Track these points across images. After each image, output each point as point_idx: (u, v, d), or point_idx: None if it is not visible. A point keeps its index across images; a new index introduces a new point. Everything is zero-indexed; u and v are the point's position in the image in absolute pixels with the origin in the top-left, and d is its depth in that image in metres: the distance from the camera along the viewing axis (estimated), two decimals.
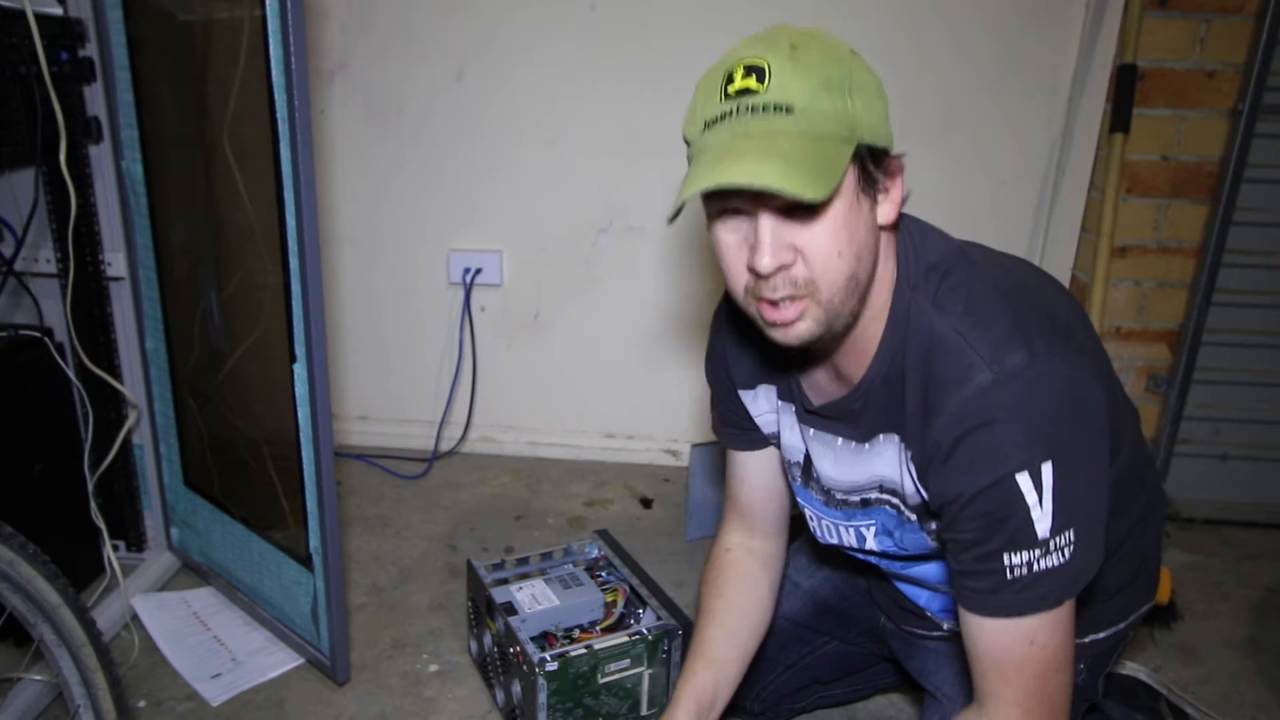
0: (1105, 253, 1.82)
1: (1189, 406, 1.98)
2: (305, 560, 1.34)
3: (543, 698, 1.17)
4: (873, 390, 0.89)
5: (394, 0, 1.98)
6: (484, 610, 1.34)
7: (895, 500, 0.94)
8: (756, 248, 0.77)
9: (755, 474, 1.12)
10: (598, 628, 1.34)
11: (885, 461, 0.92)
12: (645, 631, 1.23)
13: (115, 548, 1.55)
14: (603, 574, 1.43)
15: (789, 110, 0.74)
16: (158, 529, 1.67)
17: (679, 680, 1.07)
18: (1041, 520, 0.78)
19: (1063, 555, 0.79)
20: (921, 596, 1.13)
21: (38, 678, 1.25)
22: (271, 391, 1.32)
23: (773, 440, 1.08)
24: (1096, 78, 1.88)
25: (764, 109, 0.75)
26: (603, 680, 1.21)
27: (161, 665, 1.41)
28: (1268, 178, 1.85)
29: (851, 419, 0.93)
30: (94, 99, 1.41)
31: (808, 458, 1.02)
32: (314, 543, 1.31)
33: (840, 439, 0.96)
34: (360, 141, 2.08)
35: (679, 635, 1.25)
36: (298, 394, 1.25)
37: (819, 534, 1.09)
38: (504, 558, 1.43)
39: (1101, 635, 1.05)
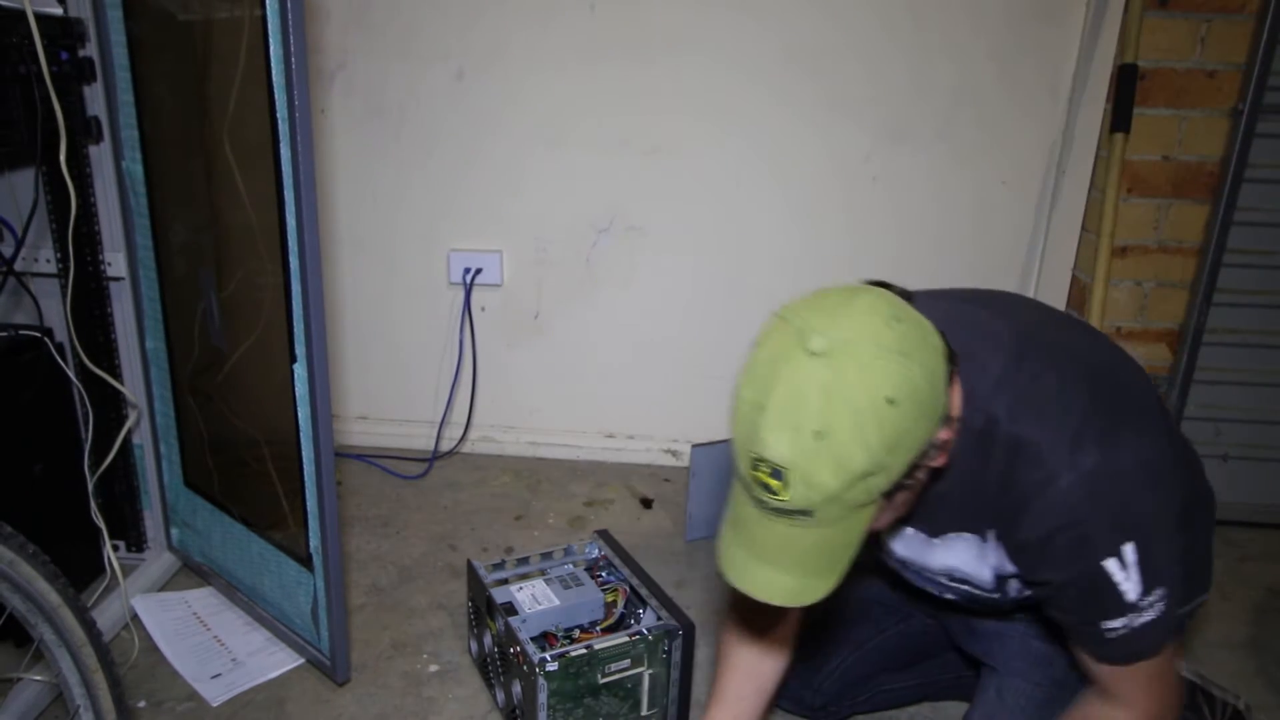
0: (1105, 252, 1.82)
1: (1189, 406, 1.98)
2: (305, 560, 1.34)
3: (543, 698, 1.17)
4: (945, 499, 0.95)
5: (394, 0, 1.98)
6: (484, 610, 1.34)
7: (967, 587, 1.04)
8: None
9: None
10: (598, 628, 1.34)
11: (956, 555, 1.01)
12: (645, 631, 1.23)
13: (115, 548, 1.55)
14: (603, 574, 1.43)
15: (808, 514, 0.77)
16: (158, 529, 1.67)
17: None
18: (1130, 590, 0.87)
19: (1155, 610, 0.88)
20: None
21: (38, 678, 1.25)
22: (271, 391, 1.32)
23: None
24: (1097, 78, 1.87)
25: (784, 512, 0.78)
26: (603, 680, 1.21)
27: (162, 665, 1.41)
28: (1268, 178, 1.84)
29: (921, 519, 1.01)
30: (94, 99, 1.41)
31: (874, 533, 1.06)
32: (314, 543, 1.31)
33: (910, 529, 1.04)
34: (360, 141, 2.08)
35: (679, 635, 1.24)
36: (298, 394, 1.25)
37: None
38: (504, 558, 1.43)
39: None
